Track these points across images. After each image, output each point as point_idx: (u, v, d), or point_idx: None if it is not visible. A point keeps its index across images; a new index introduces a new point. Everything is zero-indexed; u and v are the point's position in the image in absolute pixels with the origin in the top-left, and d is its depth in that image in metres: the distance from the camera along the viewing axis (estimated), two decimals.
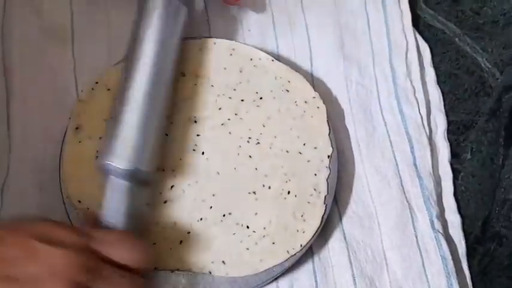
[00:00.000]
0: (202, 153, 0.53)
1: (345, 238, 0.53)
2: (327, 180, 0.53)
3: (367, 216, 0.54)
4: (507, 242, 0.55)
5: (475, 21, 0.64)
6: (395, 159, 0.56)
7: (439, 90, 0.60)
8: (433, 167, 0.56)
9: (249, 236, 0.51)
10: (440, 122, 0.59)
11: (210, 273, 0.49)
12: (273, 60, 0.57)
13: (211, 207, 0.51)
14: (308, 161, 0.53)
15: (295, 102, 0.55)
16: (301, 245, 0.50)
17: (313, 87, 0.58)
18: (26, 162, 0.54)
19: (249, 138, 0.54)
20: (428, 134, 0.57)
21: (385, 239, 0.53)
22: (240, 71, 0.56)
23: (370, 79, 0.60)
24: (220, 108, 0.55)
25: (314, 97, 0.56)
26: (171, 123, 0.54)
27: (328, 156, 0.53)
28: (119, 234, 0.45)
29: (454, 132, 0.59)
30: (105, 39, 0.60)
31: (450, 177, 0.56)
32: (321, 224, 0.51)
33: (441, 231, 0.53)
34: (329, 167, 0.53)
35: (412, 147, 0.56)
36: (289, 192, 0.52)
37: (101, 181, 0.50)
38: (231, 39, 0.59)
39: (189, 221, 0.51)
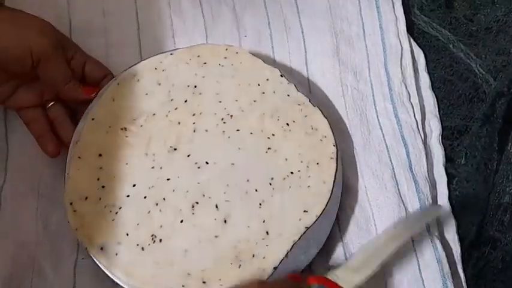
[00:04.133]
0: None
1: (342, 240, 0.54)
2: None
3: (364, 218, 0.54)
4: (501, 246, 0.55)
5: (468, 28, 0.64)
6: (392, 163, 0.56)
7: (434, 96, 0.61)
8: (428, 171, 0.57)
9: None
10: (434, 127, 0.59)
11: None
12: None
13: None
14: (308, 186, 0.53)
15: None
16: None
17: (309, 92, 0.58)
18: (23, 168, 0.54)
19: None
20: (423, 138, 0.58)
21: None
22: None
23: (366, 84, 0.60)
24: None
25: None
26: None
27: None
28: None
29: (448, 137, 0.59)
30: (103, 45, 0.60)
31: (445, 181, 0.57)
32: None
33: (437, 234, 0.53)
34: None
35: (407, 152, 0.57)
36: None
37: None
38: (227, 45, 0.59)
39: None
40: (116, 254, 0.49)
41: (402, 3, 0.63)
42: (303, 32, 0.62)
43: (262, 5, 0.64)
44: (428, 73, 0.62)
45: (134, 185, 0.52)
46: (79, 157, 0.52)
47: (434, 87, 0.61)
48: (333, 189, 0.52)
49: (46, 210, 0.53)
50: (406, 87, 0.60)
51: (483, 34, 0.64)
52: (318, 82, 0.60)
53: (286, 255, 0.50)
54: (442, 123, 0.60)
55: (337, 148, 0.54)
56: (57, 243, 0.52)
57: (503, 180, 0.58)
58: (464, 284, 0.53)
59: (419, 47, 0.63)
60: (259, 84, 0.56)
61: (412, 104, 0.59)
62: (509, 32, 0.64)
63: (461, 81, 0.62)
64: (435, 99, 0.61)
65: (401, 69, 0.61)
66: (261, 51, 0.61)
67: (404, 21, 0.62)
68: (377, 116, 0.59)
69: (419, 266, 0.52)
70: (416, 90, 0.60)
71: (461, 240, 0.55)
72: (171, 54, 0.57)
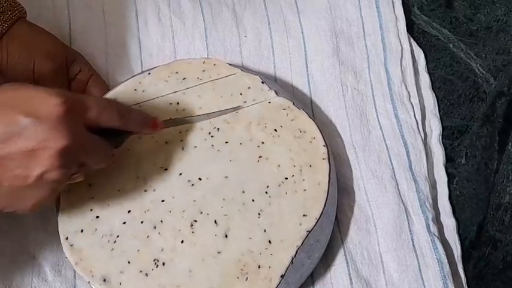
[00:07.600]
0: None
1: (341, 240, 0.54)
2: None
3: (364, 218, 0.54)
4: (502, 246, 0.55)
5: (468, 27, 0.64)
6: (391, 163, 0.56)
7: (434, 95, 0.61)
8: (428, 171, 0.56)
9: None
10: (435, 127, 0.59)
11: None
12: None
13: None
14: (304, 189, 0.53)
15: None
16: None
17: (309, 91, 0.58)
18: None
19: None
20: (423, 138, 0.58)
21: (382, 241, 0.53)
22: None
23: (366, 84, 0.60)
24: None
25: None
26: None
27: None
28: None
29: (448, 137, 0.59)
30: (103, 46, 0.60)
31: (445, 181, 0.57)
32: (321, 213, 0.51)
33: (437, 234, 0.53)
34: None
35: (407, 151, 0.57)
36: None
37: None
38: (227, 45, 0.59)
39: None
40: (120, 284, 0.48)
41: (402, 3, 0.63)
42: (303, 32, 0.62)
43: (262, 5, 0.63)
44: (429, 73, 0.61)
45: (129, 211, 0.51)
46: (68, 190, 0.51)
47: (434, 87, 0.61)
48: (328, 189, 0.52)
49: (45, 211, 0.53)
50: (406, 87, 0.60)
51: (483, 33, 0.64)
52: (318, 82, 0.60)
53: (292, 261, 0.50)
54: (442, 123, 0.59)
55: (327, 148, 0.54)
56: (57, 244, 0.52)
57: (503, 180, 0.58)
58: (464, 284, 0.53)
59: (420, 46, 0.62)
60: (241, 94, 0.56)
61: (412, 104, 0.59)
62: (509, 31, 0.64)
63: (461, 80, 0.62)
64: (435, 99, 0.60)
65: (401, 69, 0.61)
66: (261, 51, 0.61)
67: (405, 21, 0.62)
68: (377, 116, 0.59)
69: (419, 266, 0.52)
70: (417, 90, 0.60)
71: (462, 240, 0.55)
72: (149, 73, 0.57)
